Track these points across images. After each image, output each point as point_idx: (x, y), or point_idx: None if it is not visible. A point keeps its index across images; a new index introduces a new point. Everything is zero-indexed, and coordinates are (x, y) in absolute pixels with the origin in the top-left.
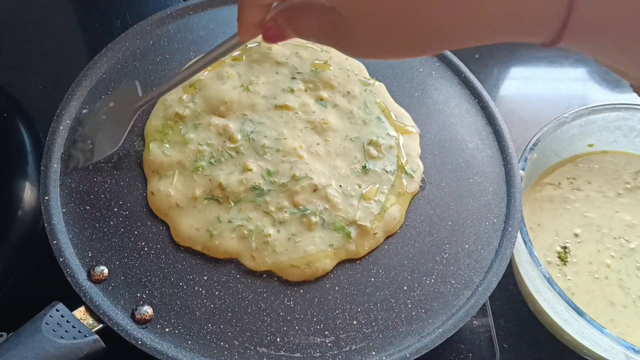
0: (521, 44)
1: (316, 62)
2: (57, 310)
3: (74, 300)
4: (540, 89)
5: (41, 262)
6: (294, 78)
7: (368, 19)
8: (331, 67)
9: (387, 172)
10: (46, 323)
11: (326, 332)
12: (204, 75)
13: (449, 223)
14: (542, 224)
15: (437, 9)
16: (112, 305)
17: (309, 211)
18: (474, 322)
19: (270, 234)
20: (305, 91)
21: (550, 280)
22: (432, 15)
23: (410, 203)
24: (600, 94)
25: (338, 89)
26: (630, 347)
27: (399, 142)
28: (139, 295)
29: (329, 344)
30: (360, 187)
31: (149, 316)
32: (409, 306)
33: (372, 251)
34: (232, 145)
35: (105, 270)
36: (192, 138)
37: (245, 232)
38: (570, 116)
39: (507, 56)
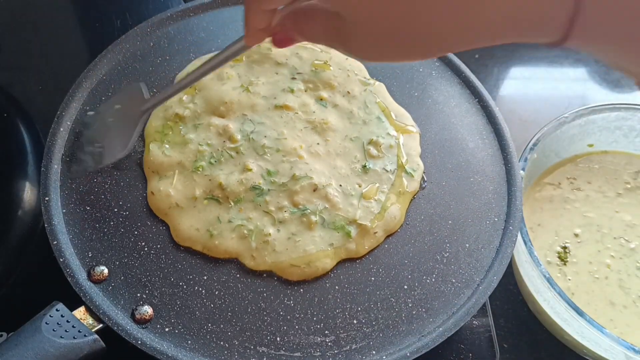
0: (521, 44)
1: (316, 62)
2: (57, 310)
3: (74, 300)
4: (540, 89)
5: (41, 262)
6: (293, 78)
7: (368, 23)
8: (331, 67)
9: (387, 171)
10: (46, 323)
11: (326, 332)
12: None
13: (450, 222)
14: (542, 224)
15: (436, 14)
16: (112, 305)
17: (308, 211)
18: (474, 322)
19: (270, 234)
20: (305, 91)
21: (550, 280)
22: (431, 20)
23: (410, 202)
24: (600, 94)
25: (338, 89)
26: (630, 347)
27: (399, 142)
28: (139, 295)
29: (329, 343)
30: (360, 186)
31: (149, 316)
32: (410, 305)
33: (372, 250)
34: (232, 145)
35: (105, 270)
36: (192, 138)
37: (245, 231)
38: (570, 116)
39: (507, 56)
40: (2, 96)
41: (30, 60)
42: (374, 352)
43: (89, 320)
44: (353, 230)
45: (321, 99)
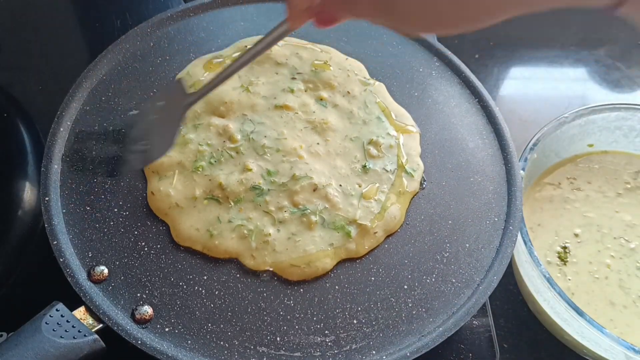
0: (521, 44)
1: (316, 62)
2: (57, 310)
3: (74, 300)
4: (540, 89)
5: (41, 262)
6: (293, 78)
7: None
8: (331, 67)
9: (387, 171)
10: (46, 323)
11: (326, 332)
12: (204, 76)
13: (450, 222)
14: (542, 224)
15: None
16: (112, 305)
17: (308, 211)
18: (474, 322)
19: (270, 234)
20: (305, 91)
21: (550, 280)
22: None
23: (410, 202)
24: (600, 94)
25: (338, 89)
26: (630, 347)
27: (399, 142)
28: (139, 295)
29: (329, 343)
30: (360, 186)
31: (149, 316)
32: (410, 305)
33: (372, 250)
34: (232, 145)
35: (105, 270)
36: (192, 138)
37: (245, 231)
38: (570, 116)
39: (507, 56)
40: (2, 96)
41: (30, 60)
42: (374, 352)
43: (89, 320)
44: (353, 230)
45: (321, 99)
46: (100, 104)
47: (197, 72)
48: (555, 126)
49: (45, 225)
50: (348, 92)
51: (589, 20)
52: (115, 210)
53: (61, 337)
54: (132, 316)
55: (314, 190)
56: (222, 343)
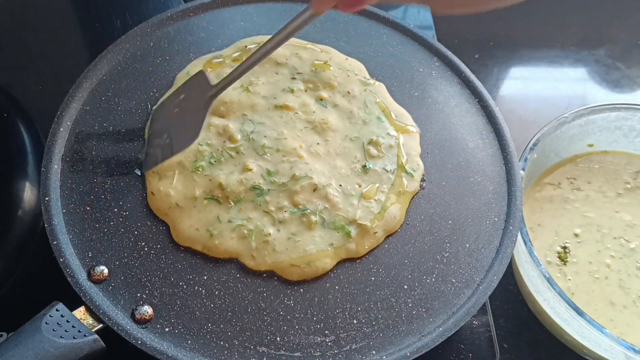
0: (521, 44)
1: (316, 62)
2: (57, 310)
3: (74, 300)
4: (540, 89)
5: (41, 262)
6: (293, 78)
7: None
8: (331, 67)
9: (387, 171)
10: (46, 323)
11: (326, 332)
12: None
13: (450, 222)
14: (542, 224)
15: None
16: (112, 305)
17: (308, 211)
18: (474, 322)
19: (270, 234)
20: (305, 91)
21: (550, 280)
22: None
23: (410, 202)
24: (600, 94)
25: (338, 89)
26: (630, 347)
27: (399, 142)
28: (139, 295)
29: (329, 343)
30: (360, 186)
31: (149, 316)
32: (410, 305)
33: (372, 250)
34: (232, 145)
35: (105, 270)
36: None
37: (245, 231)
38: (570, 116)
39: (507, 56)
40: (2, 96)
41: (30, 60)
42: (374, 352)
43: (89, 320)
44: (353, 230)
45: (321, 99)
46: (100, 104)
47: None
48: (555, 126)
49: (45, 225)
50: (348, 92)
51: (589, 20)
52: (115, 210)
53: (61, 337)
54: (132, 316)
55: (314, 190)
56: (222, 343)
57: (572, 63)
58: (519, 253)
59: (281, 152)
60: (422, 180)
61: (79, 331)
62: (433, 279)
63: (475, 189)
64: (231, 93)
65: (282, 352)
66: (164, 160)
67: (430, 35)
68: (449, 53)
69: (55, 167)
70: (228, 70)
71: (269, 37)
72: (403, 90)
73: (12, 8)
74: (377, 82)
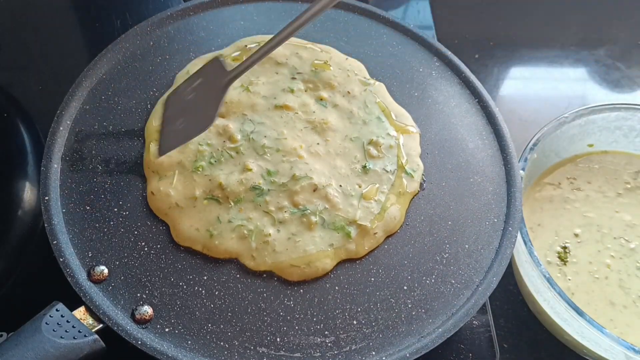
0: (521, 44)
1: (316, 62)
2: (57, 310)
3: (74, 300)
4: (540, 89)
5: (41, 262)
6: (293, 78)
7: None
8: (331, 67)
9: (387, 171)
10: (46, 323)
11: (326, 332)
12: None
13: (449, 223)
14: (542, 224)
15: None
16: (112, 305)
17: (309, 211)
18: (474, 322)
19: (270, 234)
20: (305, 91)
21: (550, 280)
22: None
23: (410, 203)
24: (600, 94)
25: (338, 89)
26: (630, 347)
27: (399, 142)
28: (139, 295)
29: (329, 344)
30: (360, 186)
31: (149, 316)
32: (409, 306)
33: (372, 251)
34: (232, 145)
35: (105, 270)
36: None
37: (245, 232)
38: (570, 116)
39: (507, 56)
40: (2, 96)
41: (30, 60)
42: (373, 352)
43: (89, 321)
44: (353, 231)
45: (321, 99)
46: (100, 103)
47: None
48: (555, 126)
49: (45, 224)
50: (348, 92)
51: (589, 20)
52: (115, 210)
53: (61, 337)
54: (132, 316)
55: (314, 191)
56: (222, 343)
57: (572, 63)
58: (519, 253)
59: (281, 152)
60: (422, 180)
61: (79, 331)
62: (432, 280)
63: (475, 190)
64: (231, 93)
65: (282, 353)
66: (179, 145)
67: (430, 35)
68: (449, 53)
69: (55, 167)
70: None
71: (269, 36)
72: (403, 90)
73: (12, 8)
74: (377, 82)
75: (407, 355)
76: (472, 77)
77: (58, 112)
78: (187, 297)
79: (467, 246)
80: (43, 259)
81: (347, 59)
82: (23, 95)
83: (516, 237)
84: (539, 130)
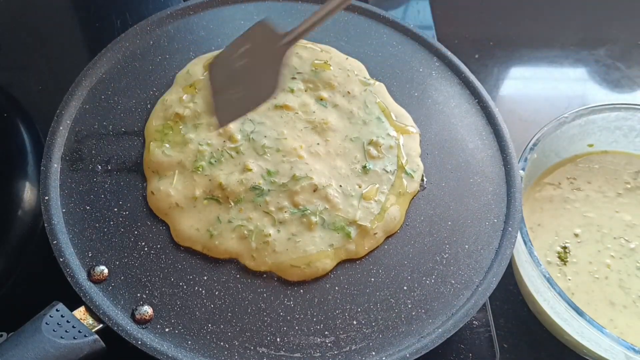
0: (521, 44)
1: (316, 62)
2: (57, 310)
3: (74, 300)
4: (540, 89)
5: (41, 262)
6: (293, 78)
7: None
8: (331, 67)
9: (387, 172)
10: (46, 323)
11: (326, 332)
12: (204, 75)
13: (449, 223)
14: (542, 224)
15: None
16: (112, 305)
17: (309, 211)
18: (474, 322)
19: (270, 234)
20: (305, 91)
21: (550, 280)
22: None
23: (410, 203)
24: (600, 94)
25: (338, 89)
26: (630, 347)
27: (399, 142)
28: (139, 295)
29: (329, 344)
30: (360, 187)
31: (149, 316)
32: (409, 306)
33: (372, 251)
34: (232, 145)
35: (105, 270)
36: (192, 138)
37: (245, 232)
38: (570, 116)
39: (507, 56)
40: (2, 96)
41: (30, 60)
42: (373, 353)
43: (89, 321)
44: (353, 231)
45: (321, 99)
46: (99, 103)
47: (196, 71)
48: (555, 126)
49: (45, 224)
50: (348, 92)
51: (589, 20)
52: (115, 210)
53: (61, 337)
54: (132, 316)
55: (314, 191)
56: (222, 343)
57: (572, 63)
58: (519, 253)
59: (281, 152)
60: (422, 181)
61: (79, 331)
62: (432, 280)
63: (475, 190)
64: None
65: (282, 353)
66: (240, 116)
67: (430, 35)
68: (449, 53)
69: (55, 166)
70: None
71: None
72: (403, 91)
73: (12, 8)
74: (377, 82)
75: (407, 355)
76: (472, 77)
77: (58, 111)
78: (187, 297)
79: (467, 246)
80: (43, 259)
81: (347, 58)
82: (23, 95)
83: (516, 237)
84: (539, 130)
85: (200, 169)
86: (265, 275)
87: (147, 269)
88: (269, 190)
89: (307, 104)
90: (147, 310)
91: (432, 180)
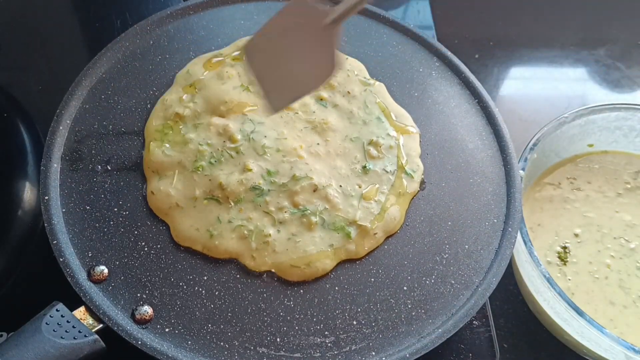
0: (521, 44)
1: None
2: (57, 310)
3: (74, 300)
4: (540, 89)
5: (41, 262)
6: None
7: None
8: None
9: (387, 172)
10: (46, 323)
11: (326, 332)
12: (204, 75)
13: (449, 223)
14: (542, 224)
15: None
16: (112, 305)
17: (309, 211)
18: (474, 322)
19: (270, 234)
20: None
21: (550, 280)
22: None
23: (410, 203)
24: (600, 94)
25: (338, 89)
26: (630, 347)
27: (399, 142)
28: (139, 295)
29: (329, 344)
30: (360, 187)
31: (149, 316)
32: (409, 306)
33: (372, 251)
34: (232, 145)
35: (105, 270)
36: (192, 138)
37: (245, 232)
38: (570, 116)
39: (507, 56)
40: (2, 96)
41: (30, 60)
42: (373, 353)
43: (89, 321)
44: (353, 231)
45: (321, 99)
46: (99, 103)
47: (196, 71)
48: (555, 126)
49: (45, 224)
50: (348, 92)
51: (589, 20)
52: (115, 209)
53: (61, 337)
54: (132, 316)
55: (314, 191)
56: (222, 344)
57: (572, 63)
58: (519, 253)
59: (281, 152)
60: (422, 181)
61: (79, 331)
62: (432, 280)
63: (475, 190)
64: (231, 92)
65: (282, 353)
66: (297, 99)
67: (430, 35)
68: (449, 53)
69: (55, 166)
70: (228, 69)
71: None
72: (403, 91)
73: (12, 8)
74: (377, 82)
75: (407, 355)
76: (472, 77)
77: (58, 111)
78: (187, 297)
79: (466, 247)
80: (43, 259)
81: (347, 58)
82: (23, 95)
83: (516, 237)
84: (539, 130)
85: (200, 169)
86: (265, 276)
87: (147, 269)
88: (269, 190)
89: (307, 104)
90: (147, 310)
91: (432, 180)
